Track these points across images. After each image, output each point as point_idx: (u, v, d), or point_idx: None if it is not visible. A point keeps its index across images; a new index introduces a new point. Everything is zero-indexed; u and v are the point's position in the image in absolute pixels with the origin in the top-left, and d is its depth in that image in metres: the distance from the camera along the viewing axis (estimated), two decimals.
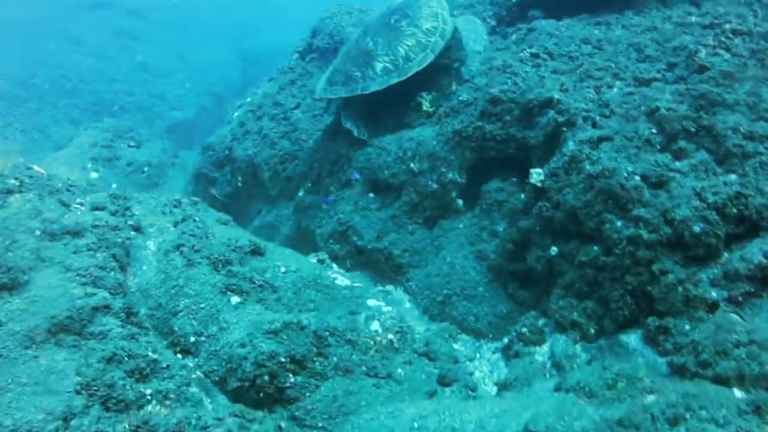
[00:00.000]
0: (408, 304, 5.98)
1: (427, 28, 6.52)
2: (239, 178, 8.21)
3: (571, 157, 4.99)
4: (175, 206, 6.61)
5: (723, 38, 5.63)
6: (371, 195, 6.54)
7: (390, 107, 6.82)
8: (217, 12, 19.49)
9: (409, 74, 6.37)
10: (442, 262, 5.87)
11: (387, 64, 6.42)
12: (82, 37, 16.10)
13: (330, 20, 8.62)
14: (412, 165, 6.18)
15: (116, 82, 15.29)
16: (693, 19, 6.03)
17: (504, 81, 5.98)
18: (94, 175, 9.94)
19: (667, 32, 6.01)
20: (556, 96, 5.49)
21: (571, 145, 5.08)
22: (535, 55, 6.22)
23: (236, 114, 8.84)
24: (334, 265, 6.55)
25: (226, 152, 8.37)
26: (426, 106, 6.65)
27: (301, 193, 7.22)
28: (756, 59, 5.40)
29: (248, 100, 8.88)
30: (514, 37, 6.89)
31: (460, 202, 6.10)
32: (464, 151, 6.03)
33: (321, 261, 6.54)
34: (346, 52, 6.85)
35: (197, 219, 6.04)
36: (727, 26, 5.72)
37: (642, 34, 6.12)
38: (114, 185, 9.87)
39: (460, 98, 6.21)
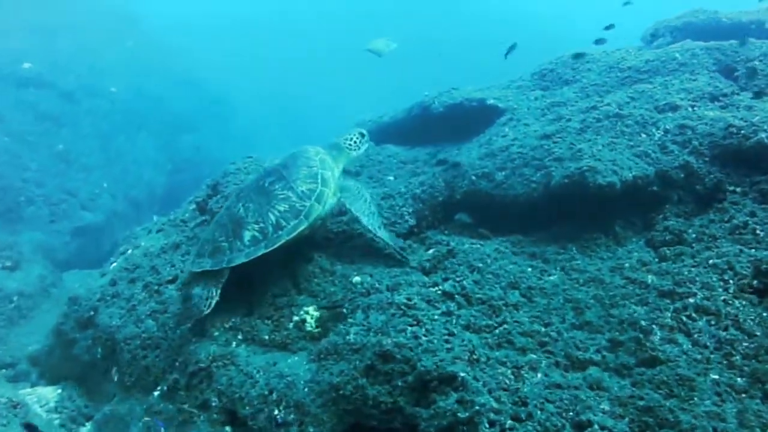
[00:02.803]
0: None
1: (302, 191, 5.65)
2: (99, 350, 6.72)
3: None
4: None
5: (684, 317, 4.43)
6: (228, 429, 5.14)
7: (271, 305, 5.65)
8: (155, 104, 18.12)
9: (278, 243, 5.50)
10: None
11: (256, 233, 5.54)
12: (4, 114, 14.55)
13: (233, 177, 7.28)
14: (276, 412, 4.78)
15: (29, 171, 13.61)
16: (650, 279, 4.81)
17: (403, 328, 4.66)
18: None
19: (615, 291, 4.79)
20: (461, 374, 4.17)
21: None
22: (448, 295, 4.95)
23: (113, 266, 7.42)
24: None
25: (91, 313, 6.92)
26: (311, 326, 5.37)
27: (156, 393, 5.79)
28: (722, 354, 4.19)
29: (129, 251, 7.47)
30: (431, 252, 5.65)
31: None
32: (340, 412, 4.59)
33: None
34: (218, 219, 5.93)
35: None
36: (691, 300, 4.51)
37: (584, 286, 4.90)
38: None
39: (348, 338, 4.83)
